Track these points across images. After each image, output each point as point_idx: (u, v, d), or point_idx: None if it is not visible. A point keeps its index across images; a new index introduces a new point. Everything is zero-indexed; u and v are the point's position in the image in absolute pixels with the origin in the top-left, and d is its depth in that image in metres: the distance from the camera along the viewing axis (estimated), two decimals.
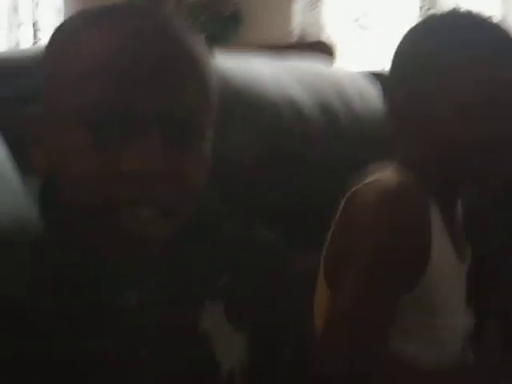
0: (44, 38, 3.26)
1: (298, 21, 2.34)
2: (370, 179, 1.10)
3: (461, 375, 1.10)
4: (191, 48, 0.70)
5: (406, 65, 1.12)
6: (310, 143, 1.37)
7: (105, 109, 0.66)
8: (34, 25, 3.03)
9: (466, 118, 1.06)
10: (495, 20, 1.10)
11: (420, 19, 1.17)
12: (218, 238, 0.76)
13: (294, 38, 2.21)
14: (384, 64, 2.39)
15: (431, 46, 1.09)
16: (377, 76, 1.62)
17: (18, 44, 3.24)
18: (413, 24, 1.14)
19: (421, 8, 2.32)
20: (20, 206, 0.92)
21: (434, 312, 1.09)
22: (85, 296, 0.67)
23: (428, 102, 1.07)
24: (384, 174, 1.10)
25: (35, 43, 3.20)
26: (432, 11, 1.11)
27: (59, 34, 0.73)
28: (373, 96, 1.55)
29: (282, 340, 0.78)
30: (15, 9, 3.09)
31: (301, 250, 0.81)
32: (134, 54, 0.67)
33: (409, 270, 1.05)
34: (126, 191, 0.66)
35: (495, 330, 1.14)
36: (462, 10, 1.13)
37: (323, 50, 2.04)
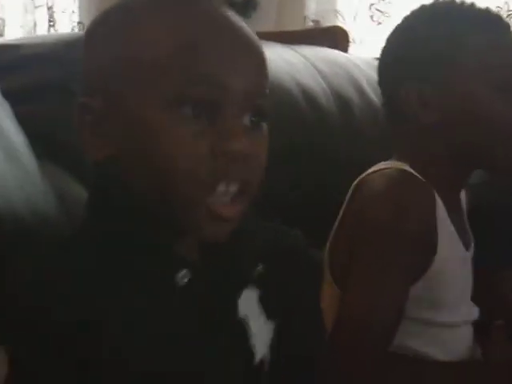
0: (59, 21, 3.27)
1: (313, 6, 2.33)
2: (376, 168, 1.11)
3: (469, 369, 1.09)
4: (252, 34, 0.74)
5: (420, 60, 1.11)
6: (325, 133, 1.37)
7: (188, 95, 0.68)
8: (48, 8, 3.03)
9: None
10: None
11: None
12: (256, 227, 0.79)
13: (309, 24, 2.20)
14: None
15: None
16: None
17: (34, 26, 3.25)
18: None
19: None
20: (38, 195, 0.93)
21: (439, 307, 1.08)
22: (140, 272, 0.69)
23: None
24: (390, 164, 1.11)
25: (51, 26, 3.20)
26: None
27: (115, 18, 0.73)
28: None
29: (308, 336, 0.80)
30: None
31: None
32: (214, 38, 0.70)
33: (419, 257, 1.04)
34: (220, 175, 0.68)
35: (502, 329, 1.13)
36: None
37: (339, 35, 2.03)
